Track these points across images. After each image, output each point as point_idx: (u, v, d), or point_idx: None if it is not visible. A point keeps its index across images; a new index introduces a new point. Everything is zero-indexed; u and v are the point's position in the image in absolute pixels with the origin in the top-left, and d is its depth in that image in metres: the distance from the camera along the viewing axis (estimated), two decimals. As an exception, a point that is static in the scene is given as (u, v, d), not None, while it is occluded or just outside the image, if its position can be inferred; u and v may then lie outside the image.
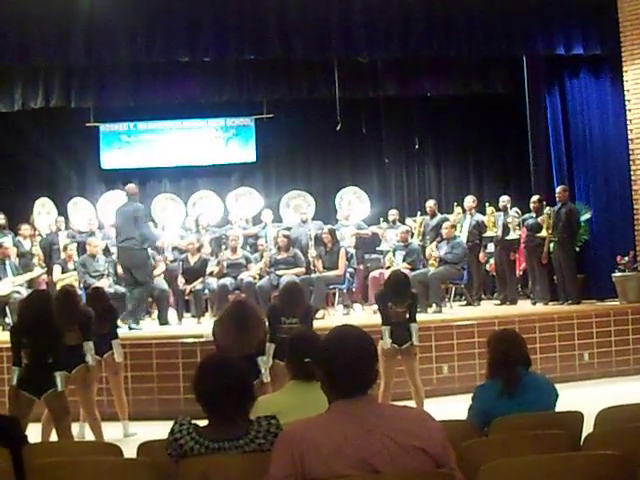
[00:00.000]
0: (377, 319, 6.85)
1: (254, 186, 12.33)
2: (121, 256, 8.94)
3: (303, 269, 9.79)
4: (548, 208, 9.77)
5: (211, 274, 9.94)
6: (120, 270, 9.57)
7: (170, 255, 10.53)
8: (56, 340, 5.28)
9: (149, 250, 9.09)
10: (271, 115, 12.40)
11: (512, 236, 10.05)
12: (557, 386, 3.89)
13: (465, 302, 10.58)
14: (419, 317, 7.01)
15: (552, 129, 10.71)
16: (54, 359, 5.20)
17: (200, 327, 8.85)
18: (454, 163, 13.25)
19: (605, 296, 9.73)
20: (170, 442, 2.77)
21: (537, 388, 3.78)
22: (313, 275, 9.69)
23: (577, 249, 10.01)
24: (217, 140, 12.84)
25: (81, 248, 10.04)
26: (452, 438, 2.52)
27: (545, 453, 2.89)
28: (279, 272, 9.61)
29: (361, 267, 10.80)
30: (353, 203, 11.93)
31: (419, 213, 11.14)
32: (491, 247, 10.50)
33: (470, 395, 3.87)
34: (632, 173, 10.02)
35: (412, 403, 6.41)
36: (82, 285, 9.24)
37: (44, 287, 9.45)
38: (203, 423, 2.84)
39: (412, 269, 9.64)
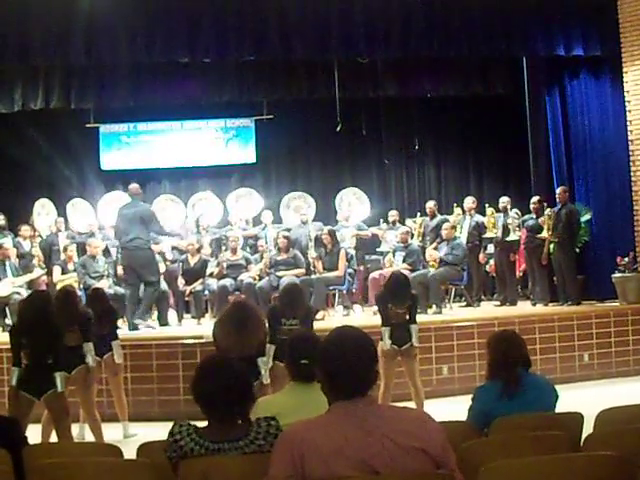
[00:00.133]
0: (377, 320, 6.85)
1: (254, 187, 12.33)
2: (126, 256, 8.87)
3: (303, 270, 9.80)
4: (549, 209, 9.77)
5: (211, 275, 9.94)
6: (120, 271, 9.58)
7: (170, 255, 10.53)
8: (56, 340, 5.27)
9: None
10: (271, 116, 12.40)
11: (512, 237, 10.05)
12: (557, 387, 3.89)
13: (465, 303, 10.59)
14: (419, 318, 7.00)
15: (552, 130, 10.72)
16: (54, 360, 5.19)
17: (200, 328, 8.85)
18: (454, 164, 13.25)
19: (605, 297, 9.73)
20: (170, 444, 2.76)
21: (537, 389, 3.78)
22: (313, 276, 9.69)
23: (577, 250, 10.01)
24: (217, 141, 12.84)
25: (81, 249, 10.04)
26: (452, 439, 2.52)
27: (545, 454, 2.89)
28: (279, 273, 9.62)
29: (361, 268, 10.80)
30: (353, 204, 11.92)
31: (419, 214, 11.15)
32: (491, 248, 10.50)
33: (470, 396, 3.87)
34: (632, 174, 10.02)
35: (412, 404, 6.42)
36: (82, 286, 9.24)
37: (44, 288, 9.44)
38: (202, 424, 2.84)
39: (412, 270, 9.64)
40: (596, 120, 10.37)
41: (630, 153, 10.02)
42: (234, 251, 10.09)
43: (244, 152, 12.79)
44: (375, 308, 7.51)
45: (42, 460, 3.11)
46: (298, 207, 11.70)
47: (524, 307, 9.97)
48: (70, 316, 5.92)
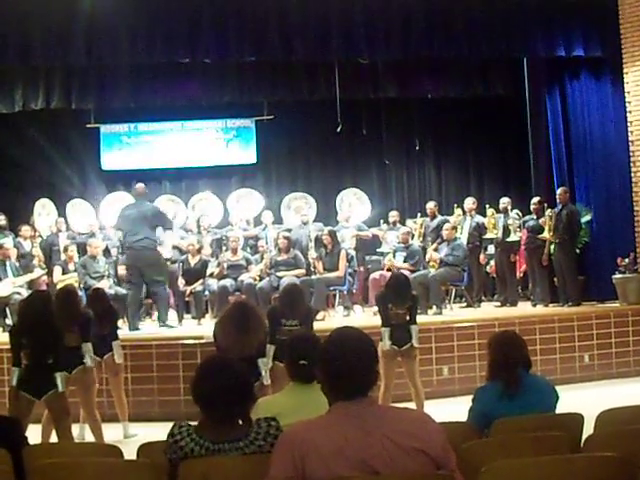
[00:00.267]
0: (377, 321, 6.84)
1: (254, 187, 12.34)
2: (132, 256, 8.81)
3: (303, 271, 9.80)
4: (549, 210, 9.77)
5: (211, 275, 9.94)
6: (121, 271, 9.57)
7: (170, 255, 10.52)
8: (56, 341, 5.27)
9: None
10: (271, 116, 12.40)
11: (512, 238, 10.05)
12: (557, 388, 3.89)
13: (465, 304, 10.58)
14: (419, 319, 7.00)
15: (552, 131, 10.72)
16: (54, 360, 5.19)
17: (200, 328, 8.85)
18: (454, 164, 13.26)
19: (605, 298, 9.73)
20: (170, 445, 2.76)
21: (537, 390, 3.77)
22: (313, 277, 9.69)
23: (577, 251, 10.01)
24: (217, 141, 12.84)
25: (81, 249, 10.04)
26: (452, 440, 2.52)
27: (545, 455, 2.89)
28: (279, 273, 9.62)
29: (361, 269, 10.80)
30: (353, 205, 11.92)
31: (419, 214, 11.15)
32: (491, 249, 10.50)
33: (470, 397, 3.86)
34: (632, 175, 10.02)
35: (412, 405, 6.42)
36: (82, 286, 9.24)
37: (44, 288, 9.44)
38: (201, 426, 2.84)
39: (413, 271, 9.64)
40: (596, 121, 10.37)
41: (630, 154, 10.02)
42: (234, 251, 10.10)
43: (244, 153, 12.80)
44: (375, 309, 7.50)
45: (42, 460, 3.10)
46: (299, 208, 11.71)
47: (524, 308, 9.97)
48: (71, 315, 5.91)
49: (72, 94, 10.72)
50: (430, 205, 11.00)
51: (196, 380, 2.88)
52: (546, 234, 9.68)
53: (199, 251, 10.12)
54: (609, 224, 10.25)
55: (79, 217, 11.19)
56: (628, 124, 10.03)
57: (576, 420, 3.50)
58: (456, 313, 9.62)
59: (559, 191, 9.92)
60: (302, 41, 9.31)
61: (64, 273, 9.67)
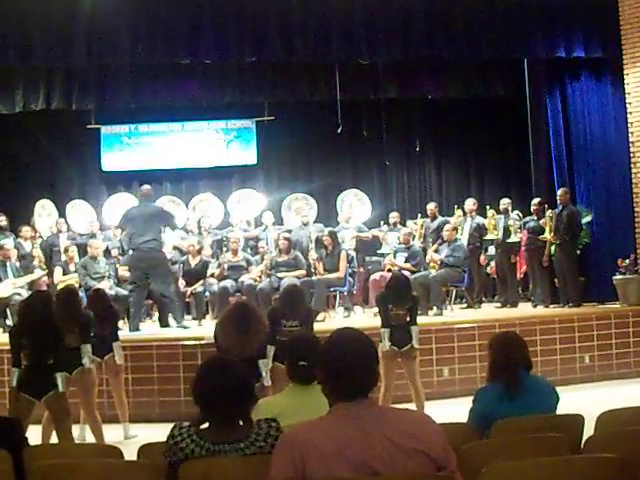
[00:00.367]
0: (378, 322, 6.83)
1: (255, 188, 12.35)
2: (138, 257, 8.74)
3: (304, 271, 9.80)
4: (550, 211, 9.77)
5: (212, 276, 9.94)
6: (121, 272, 9.57)
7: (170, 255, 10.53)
8: (57, 341, 5.26)
9: None
10: (272, 117, 12.40)
11: (513, 239, 10.05)
12: (558, 389, 3.88)
13: (466, 305, 10.58)
14: (420, 319, 7.00)
15: (553, 132, 10.71)
16: (55, 360, 5.19)
17: (201, 329, 8.85)
18: (455, 165, 13.27)
19: (606, 299, 9.72)
20: (170, 446, 2.75)
21: (538, 391, 3.77)
22: (314, 278, 9.69)
23: (578, 252, 10.00)
24: (218, 142, 12.84)
25: (82, 250, 10.04)
26: (453, 441, 2.52)
27: (546, 456, 2.89)
28: (280, 274, 9.62)
29: (361, 270, 10.80)
30: (354, 205, 11.93)
31: (420, 215, 11.16)
32: (492, 250, 10.51)
33: (471, 398, 3.86)
34: (633, 176, 10.00)
35: (412, 406, 6.42)
36: (83, 287, 9.24)
37: (45, 289, 9.45)
38: (201, 426, 2.84)
39: (415, 271, 9.64)
40: (597, 122, 10.37)
41: (631, 155, 10.01)
42: (235, 252, 10.10)
43: (245, 153, 12.80)
44: (376, 310, 7.50)
45: (43, 461, 3.11)
46: (299, 208, 11.71)
47: (525, 309, 9.97)
48: (71, 316, 5.91)
49: (73, 95, 10.71)
50: (430, 206, 11.00)
51: (196, 381, 2.88)
52: (547, 235, 9.68)
53: (199, 252, 10.12)
54: (610, 225, 10.24)
55: (79, 218, 11.19)
56: (628, 125, 10.02)
57: (576, 421, 3.50)
58: (456, 314, 9.61)
59: (559, 192, 9.92)
60: (302, 42, 9.31)
61: (65, 274, 9.67)
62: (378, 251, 11.06)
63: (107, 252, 10.20)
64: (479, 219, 10.56)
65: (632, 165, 10.01)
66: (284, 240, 9.90)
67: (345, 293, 9.94)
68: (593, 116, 10.42)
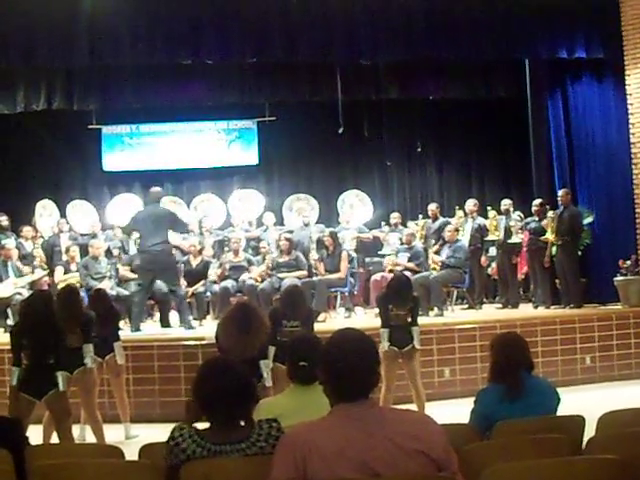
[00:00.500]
0: (379, 322, 6.83)
1: (256, 189, 12.35)
2: (148, 259, 8.68)
3: (305, 272, 9.80)
4: (551, 212, 9.77)
5: (214, 282, 9.91)
6: (122, 272, 9.57)
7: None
8: (57, 341, 5.26)
9: None
10: (273, 118, 12.40)
11: (514, 240, 10.05)
12: (559, 390, 3.87)
13: (467, 305, 10.57)
14: (420, 320, 6.99)
15: (554, 132, 10.71)
16: (55, 359, 5.19)
17: (202, 329, 8.84)
18: (456, 166, 13.27)
19: (607, 300, 9.70)
20: (171, 449, 2.74)
21: (539, 392, 3.76)
22: (315, 278, 9.70)
23: (579, 253, 9.99)
24: (219, 143, 12.84)
25: (83, 250, 10.04)
26: (454, 442, 2.52)
27: (547, 457, 2.88)
28: (281, 275, 9.62)
29: (361, 270, 10.80)
30: (355, 206, 11.93)
31: (421, 216, 11.15)
32: (493, 251, 10.50)
33: (472, 399, 3.85)
34: (634, 177, 10.01)
35: (413, 406, 6.41)
36: (84, 287, 9.23)
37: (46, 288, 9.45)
38: (202, 427, 2.84)
39: (417, 272, 9.64)
40: (598, 123, 10.36)
41: (632, 156, 10.01)
42: (236, 253, 10.10)
43: (246, 154, 12.80)
44: (377, 310, 7.49)
45: (43, 461, 3.11)
46: (300, 209, 11.72)
47: (526, 310, 9.97)
48: (72, 315, 5.91)
49: (74, 95, 10.72)
50: (432, 207, 11.00)
51: (197, 381, 2.88)
52: (548, 236, 9.68)
53: (201, 252, 10.13)
54: (611, 226, 10.23)
55: (80, 218, 11.19)
56: (630, 126, 10.02)
57: (577, 422, 3.49)
58: (457, 315, 9.61)
59: (561, 193, 9.91)
60: (304, 42, 9.32)
61: (66, 273, 9.67)
62: (379, 252, 11.05)
63: (108, 252, 10.20)
64: (480, 220, 10.55)
65: (633, 166, 10.01)
66: (285, 241, 9.90)
67: (346, 294, 9.94)
68: (594, 117, 10.41)
